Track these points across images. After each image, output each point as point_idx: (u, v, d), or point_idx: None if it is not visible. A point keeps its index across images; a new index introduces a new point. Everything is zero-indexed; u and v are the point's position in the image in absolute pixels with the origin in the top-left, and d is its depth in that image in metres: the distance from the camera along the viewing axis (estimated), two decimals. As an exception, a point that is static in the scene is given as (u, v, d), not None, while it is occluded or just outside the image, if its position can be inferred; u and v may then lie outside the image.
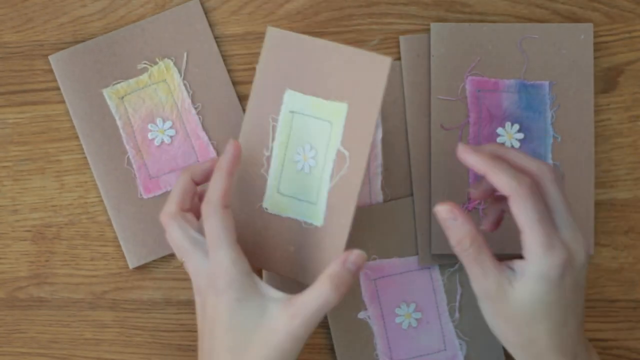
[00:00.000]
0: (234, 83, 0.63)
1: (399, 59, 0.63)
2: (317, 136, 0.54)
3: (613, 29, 0.63)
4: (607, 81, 0.64)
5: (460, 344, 0.63)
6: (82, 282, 0.64)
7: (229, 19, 0.64)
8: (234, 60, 0.64)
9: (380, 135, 0.62)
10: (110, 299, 0.64)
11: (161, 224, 0.54)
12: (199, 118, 0.63)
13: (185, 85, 0.63)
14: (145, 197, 0.63)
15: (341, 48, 0.53)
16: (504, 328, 0.52)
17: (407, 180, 0.63)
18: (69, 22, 0.64)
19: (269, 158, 0.56)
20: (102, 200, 0.63)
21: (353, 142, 0.53)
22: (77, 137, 0.63)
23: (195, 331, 0.63)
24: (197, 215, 0.54)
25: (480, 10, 0.63)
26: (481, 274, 0.51)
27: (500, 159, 0.53)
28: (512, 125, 0.62)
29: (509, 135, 0.62)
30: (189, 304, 0.63)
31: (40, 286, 0.64)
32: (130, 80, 0.63)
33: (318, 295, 0.49)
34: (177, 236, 0.53)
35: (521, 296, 0.51)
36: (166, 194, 0.63)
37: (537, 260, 0.51)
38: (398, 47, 0.63)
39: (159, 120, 0.63)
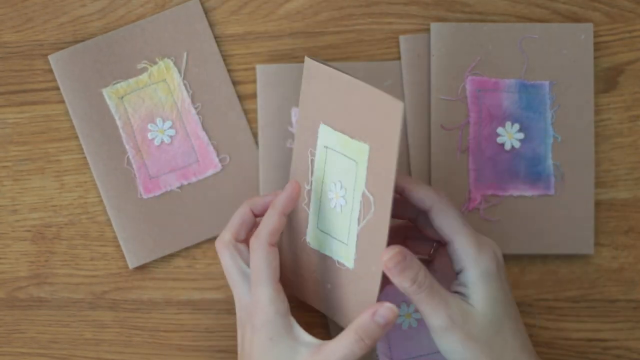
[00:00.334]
0: (234, 83, 0.63)
1: (399, 58, 0.63)
2: (346, 175, 0.52)
3: (613, 29, 0.63)
4: (607, 81, 0.64)
5: (461, 344, 0.63)
6: (82, 282, 0.64)
7: (229, 19, 0.64)
8: (234, 60, 0.63)
9: None
10: (110, 299, 0.64)
11: (216, 251, 0.56)
12: (199, 118, 0.63)
13: (185, 85, 0.63)
14: (145, 197, 0.63)
15: (361, 86, 0.50)
16: (475, 349, 0.51)
17: (407, 180, 0.63)
18: (68, 22, 0.64)
19: (309, 192, 0.55)
20: (101, 200, 0.63)
21: (376, 187, 0.50)
22: (76, 137, 0.63)
23: (195, 331, 0.64)
24: None
25: (480, 10, 0.63)
26: (441, 305, 0.50)
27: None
28: (512, 125, 0.62)
29: (509, 135, 0.62)
30: (189, 304, 0.63)
31: (40, 286, 0.64)
32: (130, 80, 0.63)
33: (344, 346, 0.50)
34: (227, 265, 0.54)
35: (481, 306, 0.51)
36: (166, 194, 0.63)
37: (475, 261, 0.51)
38: (398, 47, 0.63)
39: (158, 120, 0.63)
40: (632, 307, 0.64)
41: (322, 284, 0.56)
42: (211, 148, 0.63)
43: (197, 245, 0.63)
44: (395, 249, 0.50)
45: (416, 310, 0.63)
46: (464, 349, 0.51)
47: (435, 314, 0.51)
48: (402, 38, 0.63)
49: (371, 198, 0.50)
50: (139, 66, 0.63)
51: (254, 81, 0.63)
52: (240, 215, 0.56)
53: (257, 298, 0.52)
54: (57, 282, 0.64)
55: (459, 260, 0.52)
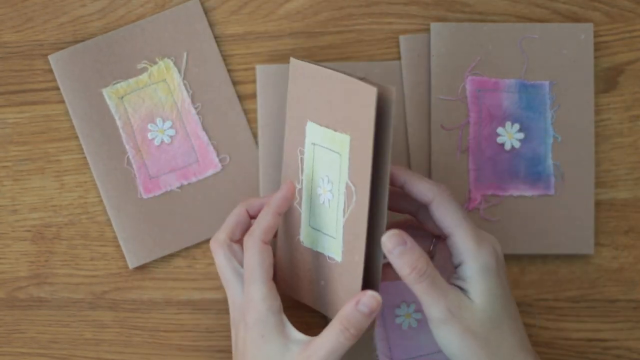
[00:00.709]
0: (234, 83, 0.63)
1: (399, 58, 0.63)
2: (332, 169, 0.53)
3: (613, 29, 0.63)
4: (607, 81, 0.64)
5: (461, 344, 0.63)
6: (82, 282, 0.64)
7: (229, 19, 0.64)
8: (234, 60, 0.63)
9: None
10: (110, 299, 0.64)
11: (210, 250, 0.56)
12: (199, 118, 0.63)
13: (185, 85, 0.63)
14: (145, 197, 0.63)
15: (339, 77, 0.51)
16: (472, 343, 0.51)
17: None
18: (68, 22, 0.64)
19: (300, 191, 0.55)
20: (101, 200, 0.63)
21: (357, 176, 0.51)
22: (76, 137, 0.63)
23: (195, 331, 0.64)
24: None
25: (480, 10, 0.63)
26: (441, 296, 0.50)
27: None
28: (512, 125, 0.62)
29: (509, 135, 0.62)
30: (189, 304, 0.63)
31: (40, 286, 0.64)
32: (130, 80, 0.63)
33: (330, 339, 0.50)
34: (221, 265, 0.54)
35: (480, 301, 0.51)
36: (166, 194, 0.63)
37: (474, 256, 0.51)
38: (398, 47, 0.63)
39: (158, 120, 0.63)
40: (632, 307, 0.64)
41: (316, 282, 0.56)
42: (211, 148, 0.63)
43: (197, 245, 0.63)
44: (395, 231, 0.50)
45: (416, 310, 0.63)
46: (461, 342, 0.51)
47: (434, 306, 0.50)
48: (402, 38, 0.63)
49: (353, 188, 0.51)
50: (139, 66, 0.63)
51: (254, 81, 0.63)
52: (235, 216, 0.56)
53: (249, 296, 0.52)
54: (57, 282, 0.64)
55: (458, 254, 0.52)
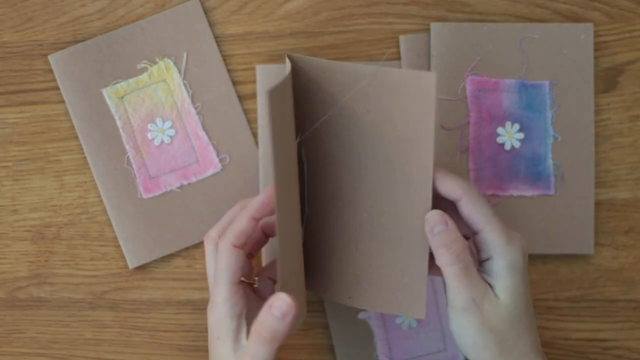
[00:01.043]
0: (234, 83, 0.63)
1: (399, 59, 0.63)
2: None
3: (613, 29, 0.63)
4: (607, 81, 0.64)
5: (461, 344, 0.63)
6: (82, 282, 0.64)
7: (229, 19, 0.64)
8: (234, 60, 0.63)
9: None
10: (110, 299, 0.64)
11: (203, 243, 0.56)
12: (199, 118, 0.63)
13: (185, 85, 0.63)
14: (145, 197, 0.63)
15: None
16: (488, 338, 0.51)
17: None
18: (68, 22, 0.64)
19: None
20: (101, 200, 0.63)
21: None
22: (76, 137, 0.63)
23: (194, 331, 0.64)
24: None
25: (480, 10, 0.63)
26: (470, 284, 0.50)
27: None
28: (512, 125, 0.62)
29: (509, 135, 0.62)
30: (189, 304, 0.63)
31: (40, 286, 0.64)
32: (130, 80, 0.63)
33: (253, 348, 0.50)
34: (206, 261, 0.55)
35: (504, 297, 0.51)
36: (166, 194, 0.63)
37: (504, 253, 0.51)
38: (398, 47, 0.63)
39: (158, 120, 0.63)
40: (632, 307, 0.64)
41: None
42: (211, 148, 0.63)
43: (197, 245, 0.63)
44: (439, 211, 0.51)
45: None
46: (477, 334, 0.51)
47: (461, 293, 0.50)
48: (402, 38, 0.63)
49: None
50: (139, 66, 0.63)
51: (254, 81, 0.63)
52: (230, 215, 0.56)
53: (213, 297, 0.52)
54: (57, 282, 0.64)
55: (487, 249, 0.52)
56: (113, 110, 0.63)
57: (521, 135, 0.62)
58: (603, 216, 0.63)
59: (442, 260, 0.50)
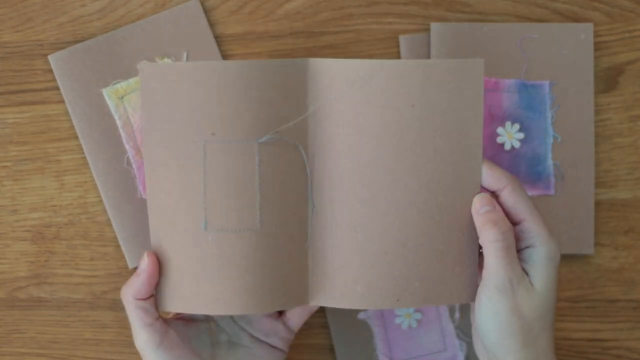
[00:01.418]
0: (234, 83, 0.63)
1: (399, 59, 0.63)
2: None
3: (613, 29, 0.63)
4: (607, 81, 0.64)
5: (461, 345, 0.63)
6: (82, 282, 0.64)
7: (229, 19, 0.64)
8: (234, 60, 0.63)
9: None
10: (110, 299, 0.64)
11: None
12: (199, 118, 0.63)
13: (185, 85, 0.63)
14: (145, 197, 0.63)
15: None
16: (515, 324, 0.50)
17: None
18: (68, 22, 0.63)
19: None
20: (101, 200, 0.63)
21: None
22: (76, 137, 0.63)
23: (195, 331, 0.63)
24: None
25: (480, 10, 0.63)
26: (509, 265, 0.50)
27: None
28: (512, 125, 0.62)
29: (509, 135, 0.62)
30: (189, 304, 0.63)
31: (40, 286, 0.64)
32: (130, 80, 0.63)
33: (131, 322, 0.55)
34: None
35: (539, 286, 0.51)
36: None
37: (546, 242, 0.51)
38: (398, 47, 0.63)
39: (158, 120, 0.63)
40: (632, 307, 0.64)
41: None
42: (211, 148, 0.63)
43: (197, 245, 0.63)
44: (486, 194, 0.52)
45: (416, 311, 0.63)
46: (507, 318, 0.50)
47: (499, 272, 0.50)
48: (402, 38, 0.63)
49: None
50: (139, 66, 0.63)
51: (254, 81, 0.63)
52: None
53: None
54: (56, 282, 0.64)
55: (529, 238, 0.52)
56: (113, 110, 0.63)
57: (521, 135, 0.62)
58: (603, 216, 0.63)
59: (487, 236, 0.51)
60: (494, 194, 0.53)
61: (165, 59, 0.63)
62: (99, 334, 0.64)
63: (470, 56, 0.62)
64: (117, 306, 0.64)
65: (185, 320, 0.57)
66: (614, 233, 0.64)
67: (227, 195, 0.52)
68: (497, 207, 0.52)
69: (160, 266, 0.53)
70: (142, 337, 0.53)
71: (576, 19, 0.63)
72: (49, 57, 0.63)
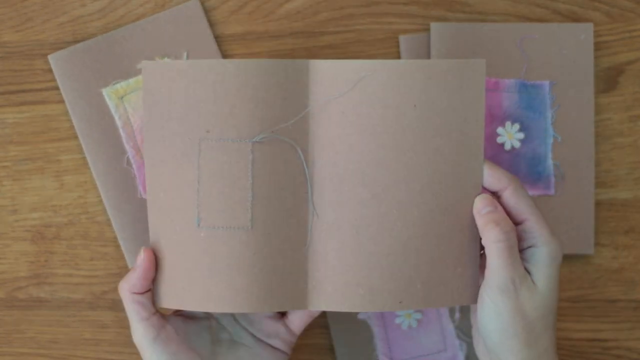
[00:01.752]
0: (234, 83, 0.63)
1: (399, 59, 0.63)
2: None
3: (613, 29, 0.63)
4: (607, 81, 0.64)
5: (461, 345, 0.63)
6: (82, 282, 0.64)
7: (229, 19, 0.64)
8: (233, 59, 0.63)
9: None
10: (110, 299, 0.64)
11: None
12: (199, 118, 0.63)
13: (185, 85, 0.63)
14: (145, 197, 0.63)
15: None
16: (519, 324, 0.50)
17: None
18: (68, 22, 0.63)
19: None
20: (101, 200, 0.63)
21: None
22: (76, 137, 0.63)
23: (195, 331, 0.63)
24: None
25: (480, 10, 0.63)
26: (512, 265, 0.50)
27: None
28: (512, 125, 0.62)
29: (509, 135, 0.62)
30: (189, 304, 0.63)
31: (40, 286, 0.64)
32: (130, 80, 0.63)
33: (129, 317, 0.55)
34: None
35: (541, 285, 0.51)
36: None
37: (548, 242, 0.51)
38: (398, 47, 0.63)
39: (158, 120, 0.63)
40: (632, 307, 0.64)
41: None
42: (211, 148, 0.63)
43: (197, 245, 0.63)
44: (488, 195, 0.52)
45: (416, 311, 0.63)
46: (509, 318, 0.50)
47: (501, 272, 0.50)
48: (402, 38, 0.63)
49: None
50: (139, 66, 0.63)
51: (254, 81, 0.63)
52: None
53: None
54: (56, 282, 0.64)
55: (531, 238, 0.52)
56: (113, 110, 0.63)
57: (521, 135, 0.62)
58: (603, 216, 0.63)
59: (489, 236, 0.51)
60: (496, 195, 0.53)
61: (165, 59, 0.63)
62: (99, 334, 0.64)
63: (470, 56, 0.62)
64: (117, 306, 0.64)
65: (185, 317, 0.57)
66: (614, 233, 0.64)
67: (220, 193, 0.52)
68: (499, 207, 0.52)
69: (157, 262, 0.54)
70: (139, 330, 0.53)
71: (576, 19, 0.63)
72: (49, 57, 0.63)
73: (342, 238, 0.53)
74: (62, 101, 0.63)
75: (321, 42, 0.63)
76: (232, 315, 0.58)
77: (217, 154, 0.52)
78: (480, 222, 0.52)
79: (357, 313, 0.63)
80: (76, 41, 0.63)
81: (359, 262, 0.53)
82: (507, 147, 0.62)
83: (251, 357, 0.56)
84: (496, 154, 0.62)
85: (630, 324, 0.64)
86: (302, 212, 0.53)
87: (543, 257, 0.51)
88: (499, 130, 0.62)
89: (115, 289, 0.63)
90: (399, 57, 0.63)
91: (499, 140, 0.62)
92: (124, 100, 0.63)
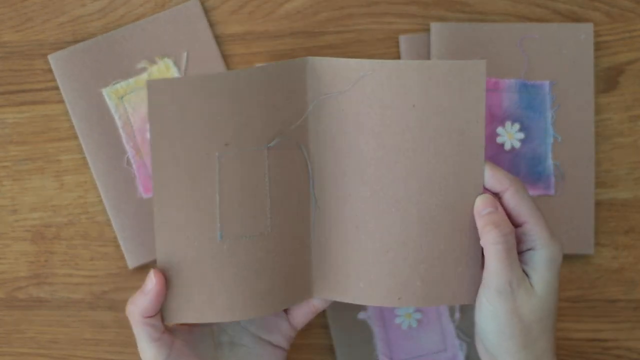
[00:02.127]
0: (234, 83, 0.63)
1: (399, 59, 0.63)
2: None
3: (613, 29, 0.63)
4: (607, 81, 0.64)
5: (461, 345, 0.63)
6: (82, 282, 0.64)
7: (229, 19, 0.64)
8: (234, 60, 0.63)
9: None
10: (110, 299, 0.64)
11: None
12: (199, 118, 0.63)
13: (185, 85, 0.63)
14: (145, 197, 0.63)
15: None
16: (516, 326, 0.50)
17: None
18: (68, 22, 0.63)
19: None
20: (101, 200, 0.63)
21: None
22: (76, 137, 0.63)
23: (195, 331, 0.63)
24: None
25: (480, 10, 0.63)
26: (510, 267, 0.50)
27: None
28: (512, 125, 0.62)
29: (509, 135, 0.62)
30: (189, 304, 0.63)
31: (40, 286, 0.64)
32: (130, 80, 0.63)
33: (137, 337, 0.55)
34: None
35: (539, 288, 0.51)
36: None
37: (548, 245, 0.51)
38: (398, 47, 0.63)
39: (158, 120, 0.63)
40: (632, 307, 0.64)
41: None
42: (211, 148, 0.63)
43: (197, 245, 0.63)
44: (489, 195, 0.52)
45: (416, 310, 0.63)
46: (506, 320, 0.50)
47: (499, 274, 0.50)
48: (402, 38, 0.63)
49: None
50: (139, 66, 0.63)
51: (254, 81, 0.63)
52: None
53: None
54: (56, 282, 0.64)
55: (530, 240, 0.52)
56: (113, 110, 0.63)
57: (521, 135, 0.62)
58: (603, 216, 0.63)
59: (488, 237, 0.50)
60: (497, 196, 0.53)
61: (165, 59, 0.63)
62: (99, 334, 0.64)
63: (470, 56, 0.62)
64: (117, 306, 0.64)
65: (188, 325, 0.57)
66: (614, 233, 0.64)
67: (241, 203, 0.52)
68: (500, 208, 0.52)
69: (167, 281, 0.53)
70: (151, 351, 0.53)
71: (576, 19, 0.63)
72: (49, 57, 0.63)
73: (343, 232, 0.53)
74: (62, 101, 0.63)
75: (321, 42, 0.63)
76: None
77: (237, 165, 0.52)
78: (479, 223, 0.52)
79: (357, 313, 0.63)
80: (76, 41, 0.63)
81: (359, 257, 0.53)
82: (507, 147, 0.62)
83: (251, 357, 0.56)
84: (496, 154, 0.62)
85: (630, 324, 0.64)
86: (306, 208, 0.54)
87: (542, 260, 0.51)
88: (499, 130, 0.62)
89: (116, 289, 0.63)
90: (399, 57, 0.63)
91: (499, 140, 0.62)
92: (124, 100, 0.63)
